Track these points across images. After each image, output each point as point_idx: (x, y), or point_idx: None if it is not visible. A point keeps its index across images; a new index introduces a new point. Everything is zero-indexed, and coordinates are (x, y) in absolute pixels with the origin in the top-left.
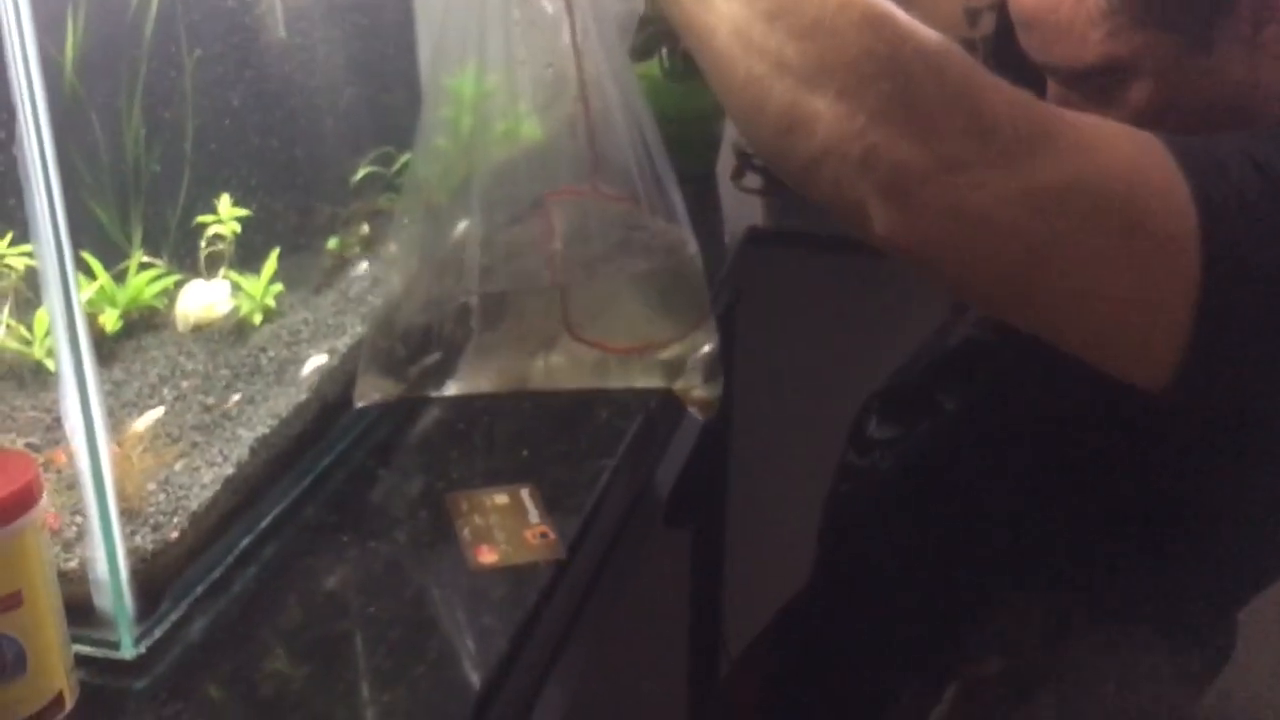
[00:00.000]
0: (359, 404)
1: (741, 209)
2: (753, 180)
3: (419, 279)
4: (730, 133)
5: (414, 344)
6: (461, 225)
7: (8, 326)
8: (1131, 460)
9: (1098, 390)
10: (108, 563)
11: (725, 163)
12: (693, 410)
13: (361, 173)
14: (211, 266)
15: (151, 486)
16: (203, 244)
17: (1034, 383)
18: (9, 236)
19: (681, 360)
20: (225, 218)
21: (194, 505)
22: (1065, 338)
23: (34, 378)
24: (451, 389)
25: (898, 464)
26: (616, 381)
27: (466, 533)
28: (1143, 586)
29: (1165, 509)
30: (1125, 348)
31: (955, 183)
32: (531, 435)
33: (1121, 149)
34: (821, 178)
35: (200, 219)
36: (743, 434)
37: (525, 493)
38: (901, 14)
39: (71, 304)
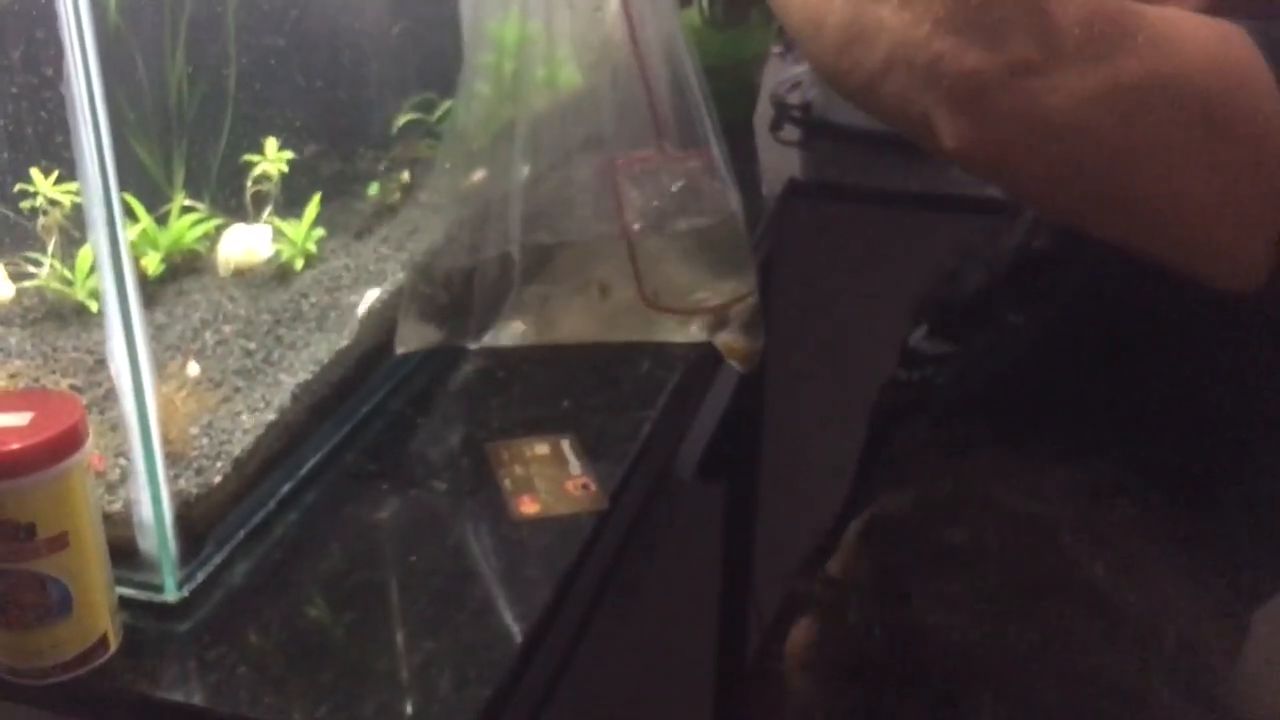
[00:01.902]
0: (400, 350)
1: (780, 161)
2: (791, 132)
3: (461, 226)
4: (769, 83)
5: (455, 292)
6: (504, 173)
7: (51, 266)
8: (1214, 372)
9: (1179, 297)
10: (152, 505)
11: (763, 115)
12: (732, 362)
13: (403, 119)
14: (256, 209)
15: (194, 430)
16: (249, 184)
17: (1109, 291)
18: (55, 174)
19: (723, 313)
20: (272, 158)
21: (236, 450)
22: (1147, 245)
23: (77, 319)
24: (492, 339)
25: (954, 378)
26: (658, 334)
27: (507, 483)
28: (1197, 514)
29: (1243, 429)
30: (1212, 253)
31: (1027, 87)
32: (572, 386)
33: (1203, 41)
34: (886, 92)
35: (248, 157)
36: (778, 387)
37: (566, 443)
38: None
39: (118, 243)
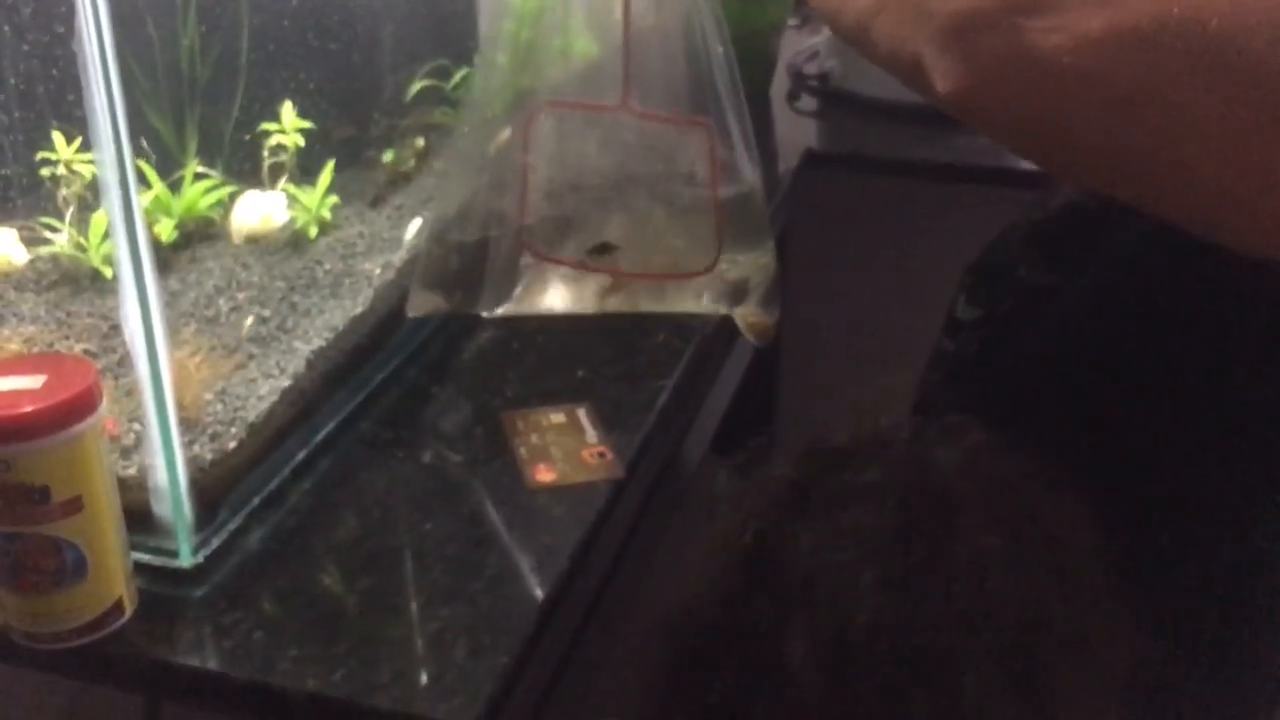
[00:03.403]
0: (411, 315)
1: (796, 132)
2: (808, 102)
3: (476, 194)
4: (786, 53)
5: (469, 259)
6: (519, 142)
7: (65, 233)
8: (1242, 341)
9: (1210, 261)
10: (167, 470)
11: (780, 85)
12: (749, 336)
13: (418, 85)
14: (272, 178)
15: (209, 396)
16: (265, 153)
17: (1136, 254)
18: (78, 141)
19: (742, 285)
20: (289, 127)
21: (251, 416)
22: (1157, 205)
23: (91, 284)
24: (505, 309)
25: (981, 348)
26: (674, 306)
27: (523, 451)
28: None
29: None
30: (1232, 216)
31: (1023, 26)
32: (588, 355)
33: None
34: (878, 32)
35: (264, 126)
36: (793, 362)
37: (582, 412)
38: None
39: (132, 209)
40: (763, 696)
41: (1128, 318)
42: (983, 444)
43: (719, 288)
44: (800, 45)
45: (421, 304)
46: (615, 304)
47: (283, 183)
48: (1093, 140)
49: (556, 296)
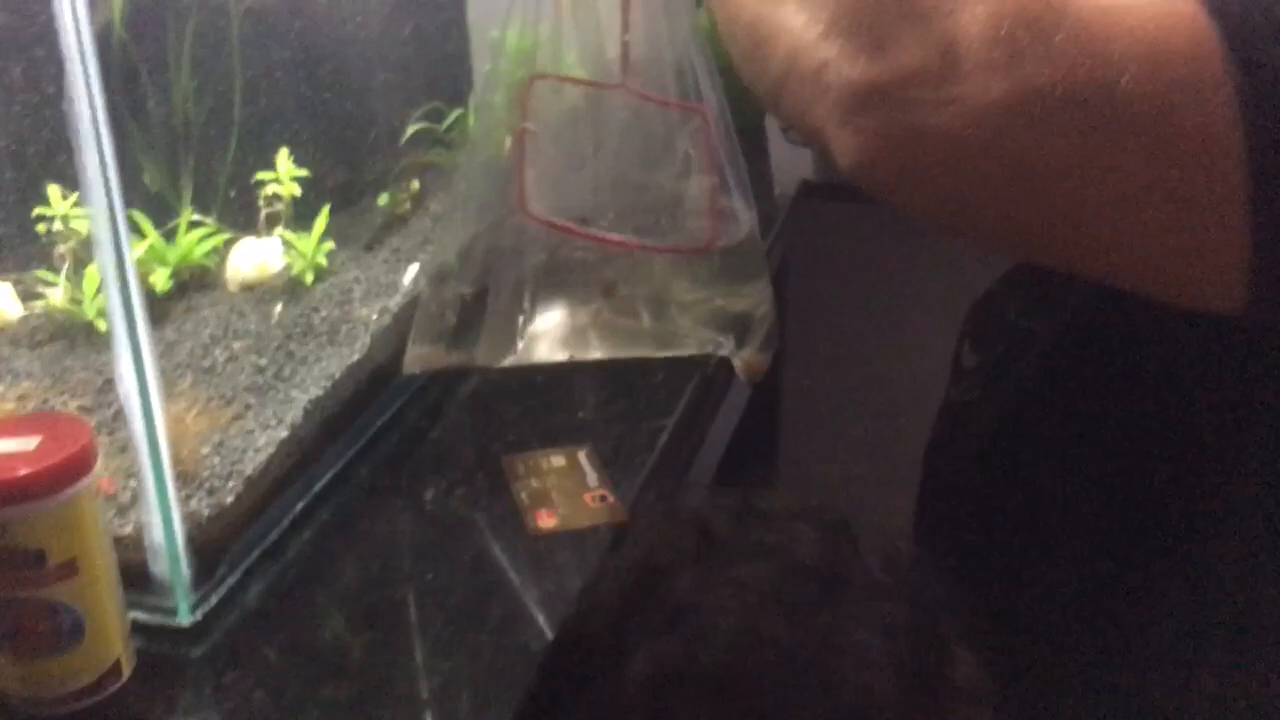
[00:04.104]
0: (408, 372)
1: (791, 162)
2: None
3: (476, 238)
4: None
5: (467, 314)
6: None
7: (61, 287)
8: (1201, 399)
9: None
10: (163, 528)
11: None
12: (742, 375)
13: (412, 129)
14: (269, 226)
15: (205, 450)
16: (261, 202)
17: (1113, 300)
18: (74, 197)
19: (744, 319)
20: (284, 176)
21: (248, 469)
22: (1096, 268)
23: (85, 339)
24: (505, 361)
25: (981, 396)
26: (674, 350)
27: (524, 496)
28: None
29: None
30: (1173, 271)
31: (920, 99)
32: (587, 396)
33: (1139, 33)
34: (785, 103)
35: (260, 176)
36: (792, 397)
37: (583, 454)
38: None
39: (124, 261)
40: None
41: (1090, 361)
42: (902, 550)
43: (721, 320)
44: None
45: (417, 360)
46: (615, 349)
47: (279, 229)
48: (1006, 213)
49: (557, 347)
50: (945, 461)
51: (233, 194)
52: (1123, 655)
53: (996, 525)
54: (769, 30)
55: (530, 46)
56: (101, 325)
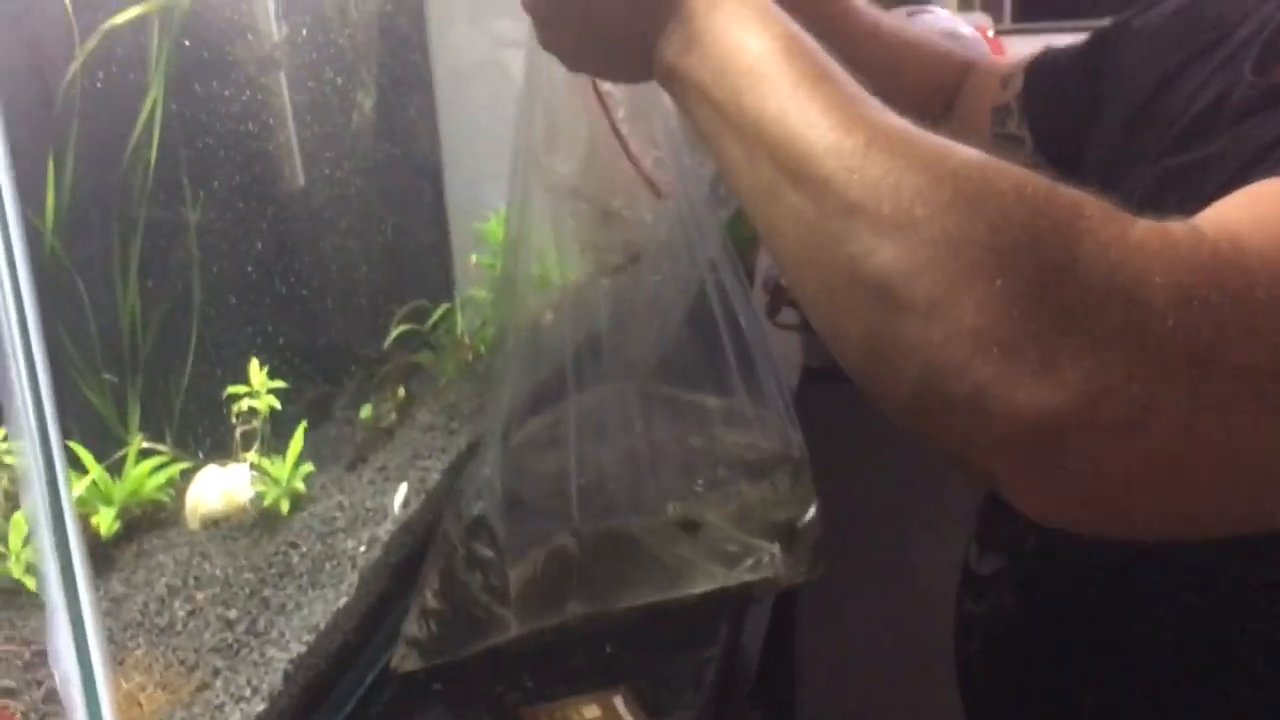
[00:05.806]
0: (396, 669)
1: (784, 349)
2: (789, 315)
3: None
4: (763, 266)
5: (482, 600)
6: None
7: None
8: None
9: None
10: None
11: (757, 300)
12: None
13: (395, 332)
14: (244, 445)
15: None
16: (235, 420)
17: None
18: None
19: (788, 526)
20: (260, 388)
21: None
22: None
23: (9, 601)
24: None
25: (1019, 598)
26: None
27: None
28: None
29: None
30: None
31: (1126, 419)
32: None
33: None
34: (934, 434)
35: (232, 389)
36: (813, 603)
37: (619, 700)
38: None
39: (60, 504)
40: None
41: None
42: None
43: (765, 527)
44: (771, 259)
45: (409, 660)
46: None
47: (253, 453)
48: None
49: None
50: (982, 678)
51: (192, 414)
52: None
53: None
54: (886, 345)
55: (515, 238)
56: (30, 584)
